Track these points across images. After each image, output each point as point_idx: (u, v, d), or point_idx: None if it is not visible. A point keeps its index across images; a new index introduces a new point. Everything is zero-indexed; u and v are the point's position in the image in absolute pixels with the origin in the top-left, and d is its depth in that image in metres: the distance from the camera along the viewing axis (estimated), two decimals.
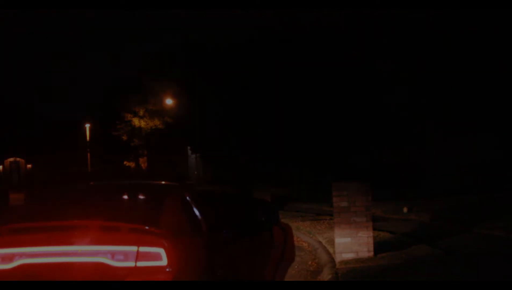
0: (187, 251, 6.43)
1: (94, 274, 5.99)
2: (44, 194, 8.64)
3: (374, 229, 14.11)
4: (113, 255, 6.06)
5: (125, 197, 7.64)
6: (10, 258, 6.13)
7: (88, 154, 63.83)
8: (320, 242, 16.00)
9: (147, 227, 6.27)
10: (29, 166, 75.66)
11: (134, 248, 6.06)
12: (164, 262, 6.05)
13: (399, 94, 30.64)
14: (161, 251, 6.06)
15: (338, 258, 12.67)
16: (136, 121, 57.00)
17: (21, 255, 6.12)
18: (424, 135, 31.05)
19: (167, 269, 6.04)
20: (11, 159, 76.40)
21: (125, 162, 60.74)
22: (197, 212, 7.12)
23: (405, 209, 21.94)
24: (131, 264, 6.04)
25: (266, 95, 34.33)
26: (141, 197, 7.64)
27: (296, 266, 13.16)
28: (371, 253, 12.63)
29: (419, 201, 24.43)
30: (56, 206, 7.34)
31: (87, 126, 63.11)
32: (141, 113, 56.84)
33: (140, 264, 6.05)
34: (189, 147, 52.68)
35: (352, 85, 31.77)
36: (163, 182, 8.38)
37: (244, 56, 36.51)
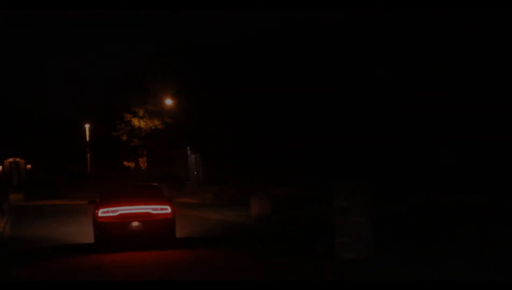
0: (174, 205, 18.71)
1: (146, 216, 17.60)
2: (112, 188, 20.82)
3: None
4: (152, 209, 17.82)
5: (145, 189, 20.21)
6: (116, 211, 17.62)
7: (88, 154, 63.82)
8: (319, 244, 16.01)
9: (160, 198, 18.56)
10: (28, 166, 75.63)
11: (158, 206, 17.91)
12: (169, 210, 17.89)
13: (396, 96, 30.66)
14: (168, 207, 17.97)
15: (338, 258, 12.67)
16: (135, 121, 56.93)
17: (120, 210, 17.64)
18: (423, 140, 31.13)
19: (171, 213, 17.90)
20: (11, 159, 76.33)
21: (124, 162, 60.68)
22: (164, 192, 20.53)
23: (404, 209, 21.96)
24: (158, 211, 17.76)
25: (266, 94, 34.29)
26: (151, 189, 19.95)
27: (295, 266, 13.17)
28: (371, 253, 12.63)
29: (418, 201, 24.42)
30: (123, 192, 19.34)
31: (87, 126, 63.08)
32: (140, 113, 56.76)
33: (161, 211, 17.79)
34: (188, 147, 52.61)
35: (352, 86, 31.76)
36: (155, 183, 24.64)
37: (244, 56, 36.48)
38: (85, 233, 20.97)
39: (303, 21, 33.97)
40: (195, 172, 61.20)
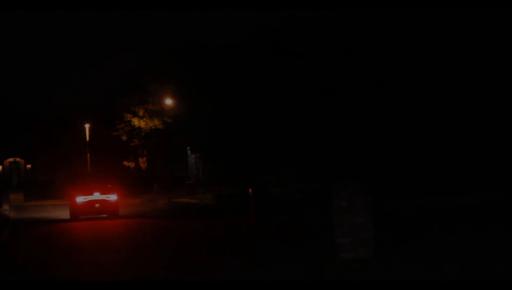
0: (120, 195, 32.82)
1: (103, 201, 30.93)
2: (84, 184, 32.89)
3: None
4: (107, 197, 31.19)
5: (103, 184, 32.64)
6: (86, 198, 30.71)
7: (88, 154, 63.80)
8: (319, 244, 16.03)
9: (112, 191, 31.67)
10: (28, 166, 75.58)
11: (110, 195, 31.29)
12: (116, 198, 31.38)
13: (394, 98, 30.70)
14: (115, 196, 31.43)
15: (338, 258, 12.68)
16: (135, 121, 56.96)
17: (88, 197, 30.78)
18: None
19: (117, 199, 31.47)
20: (11, 159, 76.28)
21: (124, 162, 60.72)
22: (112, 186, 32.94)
23: (404, 209, 21.98)
24: (109, 199, 31.15)
25: (266, 94, 34.28)
26: (106, 184, 32.50)
27: (295, 265, 13.19)
28: (371, 253, 12.65)
29: (418, 201, 24.44)
30: (90, 186, 31.88)
31: (87, 126, 63.08)
32: (140, 113, 56.80)
33: (111, 199, 31.21)
34: (188, 147, 52.62)
35: (351, 86, 31.75)
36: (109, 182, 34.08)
37: (243, 55, 36.46)
38: (66, 216, 32.68)
39: (304, 21, 33.96)
40: (195, 172, 61.20)
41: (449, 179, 29.53)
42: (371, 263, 12.10)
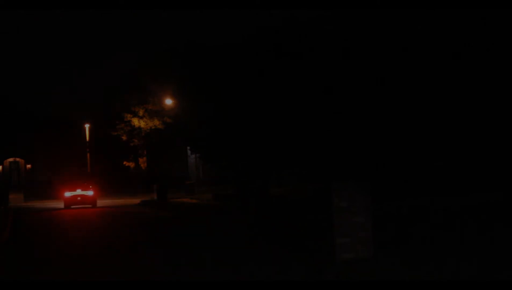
0: (96, 191, 44.62)
1: (83, 195, 42.73)
2: (66, 179, 51.09)
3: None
4: (86, 192, 42.89)
5: (85, 183, 44.81)
6: (72, 193, 42.57)
7: (88, 154, 63.82)
8: (319, 244, 16.02)
9: (91, 188, 43.40)
10: (28, 166, 75.57)
11: (89, 191, 43.06)
12: (92, 193, 43.09)
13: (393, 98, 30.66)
14: (92, 192, 43.12)
15: (338, 258, 12.68)
16: (135, 121, 56.95)
17: (74, 193, 42.64)
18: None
19: (93, 194, 43.23)
20: (11, 159, 76.29)
21: (124, 162, 60.73)
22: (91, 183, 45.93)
23: (404, 209, 21.95)
24: (87, 194, 42.88)
25: (267, 94, 34.26)
26: (88, 183, 44.56)
27: (295, 265, 13.19)
28: (371, 253, 12.65)
29: (418, 202, 24.43)
30: (75, 184, 43.68)
31: (87, 126, 63.10)
32: (140, 113, 56.79)
33: (89, 194, 42.97)
34: (188, 147, 52.61)
35: (352, 84, 31.72)
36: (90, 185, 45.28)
37: (243, 56, 36.44)
38: (61, 206, 42.98)
39: (304, 21, 33.95)
40: (195, 172, 61.22)
41: (449, 179, 29.52)
42: (371, 263, 12.10)
